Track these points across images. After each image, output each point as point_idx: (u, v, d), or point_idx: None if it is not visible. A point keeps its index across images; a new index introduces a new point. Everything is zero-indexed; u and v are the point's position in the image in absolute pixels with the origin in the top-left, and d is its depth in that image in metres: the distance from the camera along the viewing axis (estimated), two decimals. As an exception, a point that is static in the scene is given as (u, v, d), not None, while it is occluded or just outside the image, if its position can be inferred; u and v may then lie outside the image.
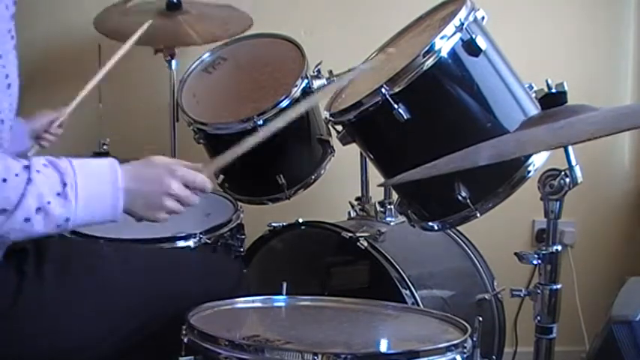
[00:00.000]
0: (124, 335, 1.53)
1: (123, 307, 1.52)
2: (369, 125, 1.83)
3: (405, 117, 1.73)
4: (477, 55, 1.74)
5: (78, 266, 1.50)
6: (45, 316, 1.43)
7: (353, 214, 2.32)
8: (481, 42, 1.73)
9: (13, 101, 1.28)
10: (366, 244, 1.98)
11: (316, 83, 2.18)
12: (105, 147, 2.46)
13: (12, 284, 1.40)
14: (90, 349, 1.49)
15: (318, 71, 2.21)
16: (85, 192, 1.24)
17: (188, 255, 1.82)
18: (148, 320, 1.54)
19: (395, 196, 2.04)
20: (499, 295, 2.15)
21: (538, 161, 1.73)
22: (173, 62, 2.49)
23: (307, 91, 2.18)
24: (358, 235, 1.99)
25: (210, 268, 1.72)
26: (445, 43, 1.71)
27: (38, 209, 1.21)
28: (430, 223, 1.87)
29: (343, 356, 1.26)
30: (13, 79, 1.27)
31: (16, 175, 1.19)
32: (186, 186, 1.35)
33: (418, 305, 1.89)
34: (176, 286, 1.60)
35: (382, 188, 2.24)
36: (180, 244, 2.01)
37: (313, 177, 2.30)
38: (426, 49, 1.70)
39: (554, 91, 1.46)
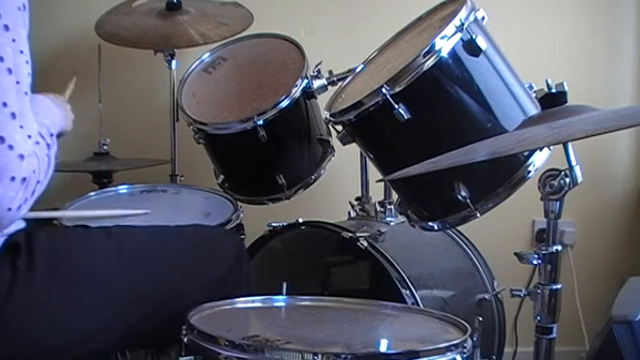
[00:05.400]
0: (121, 327, 1.52)
1: (118, 298, 1.51)
2: (369, 125, 1.83)
3: (406, 117, 1.73)
4: (477, 55, 1.74)
5: (70, 259, 1.50)
6: (38, 310, 1.42)
7: (353, 214, 2.32)
8: (481, 42, 1.73)
9: None
10: (366, 244, 1.97)
11: (316, 83, 2.19)
12: (105, 147, 2.46)
13: (5, 279, 1.40)
14: (87, 343, 1.49)
15: (318, 71, 2.20)
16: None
17: (184, 235, 1.77)
18: (145, 312, 1.54)
19: (395, 196, 2.04)
20: (499, 295, 2.15)
21: (538, 161, 1.73)
22: (173, 62, 2.49)
23: (307, 91, 2.19)
24: (358, 235, 1.99)
25: (207, 245, 1.71)
26: (445, 43, 1.71)
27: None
28: (430, 223, 1.87)
29: (343, 356, 1.26)
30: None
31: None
32: None
33: (418, 305, 1.89)
34: (173, 276, 1.59)
35: (382, 189, 2.24)
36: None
37: (313, 177, 2.30)
38: (426, 49, 1.70)
39: (554, 91, 1.46)
